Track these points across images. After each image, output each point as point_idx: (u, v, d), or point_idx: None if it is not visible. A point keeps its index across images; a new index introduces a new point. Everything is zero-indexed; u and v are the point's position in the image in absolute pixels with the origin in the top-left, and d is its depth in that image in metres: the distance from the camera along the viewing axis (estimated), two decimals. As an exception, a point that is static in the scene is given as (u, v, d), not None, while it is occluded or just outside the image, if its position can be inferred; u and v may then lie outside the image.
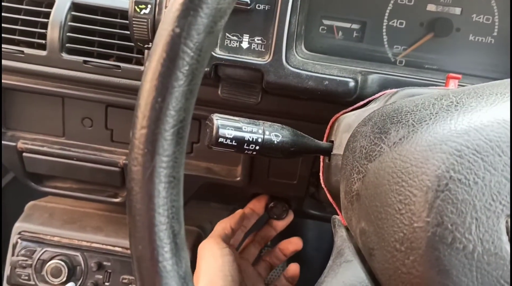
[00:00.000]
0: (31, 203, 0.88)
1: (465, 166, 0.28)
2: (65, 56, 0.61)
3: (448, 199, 0.28)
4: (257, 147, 0.42)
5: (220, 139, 0.40)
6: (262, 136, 0.42)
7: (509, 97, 0.31)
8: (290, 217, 0.79)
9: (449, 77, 0.49)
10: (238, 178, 0.69)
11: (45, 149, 0.71)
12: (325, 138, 0.51)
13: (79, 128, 0.72)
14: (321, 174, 0.50)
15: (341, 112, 0.50)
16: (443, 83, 0.56)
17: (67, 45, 0.61)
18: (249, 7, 0.47)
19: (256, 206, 0.77)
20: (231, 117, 0.41)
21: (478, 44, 0.62)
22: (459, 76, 0.49)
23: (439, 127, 0.31)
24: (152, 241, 0.27)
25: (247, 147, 0.42)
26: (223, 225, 0.69)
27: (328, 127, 0.50)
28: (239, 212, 0.71)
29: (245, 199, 0.78)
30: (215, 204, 0.94)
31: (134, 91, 0.64)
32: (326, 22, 0.63)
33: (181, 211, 0.29)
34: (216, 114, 0.41)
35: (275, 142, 0.43)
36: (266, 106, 0.57)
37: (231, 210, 0.74)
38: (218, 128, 0.40)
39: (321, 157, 0.50)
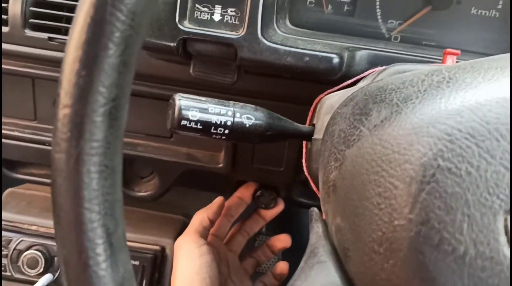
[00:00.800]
0: (9, 190, 0.84)
1: (456, 152, 0.23)
2: (28, 32, 0.56)
3: (435, 192, 0.23)
4: (226, 131, 0.37)
5: (183, 122, 0.36)
6: (232, 119, 0.37)
7: (510, 72, 0.27)
8: (279, 206, 0.74)
9: (446, 52, 0.44)
10: (221, 165, 0.64)
11: (15, 133, 0.66)
12: (308, 121, 0.46)
13: (51, 111, 0.67)
14: (304, 160, 0.46)
15: (326, 92, 0.45)
16: (441, 60, 0.51)
17: (30, 20, 0.56)
18: (220, -26, 0.42)
19: (244, 194, 0.72)
20: (197, 97, 0.37)
21: (480, 18, 0.57)
22: (458, 51, 0.44)
23: (427, 106, 0.26)
24: (79, 242, 0.23)
25: (215, 131, 0.37)
26: (200, 217, 0.64)
27: (312, 108, 0.45)
28: (217, 200, 0.66)
29: (231, 187, 0.74)
30: (202, 192, 0.90)
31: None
32: (314, -6, 0.58)
33: (118, 206, 0.24)
34: (180, 94, 0.36)
35: (247, 125, 0.38)
36: (245, 86, 0.52)
37: (223, 198, 0.69)
38: (180, 109, 0.36)
39: (304, 142, 0.45)
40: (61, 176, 0.23)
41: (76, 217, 0.23)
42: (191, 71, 0.48)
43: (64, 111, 0.22)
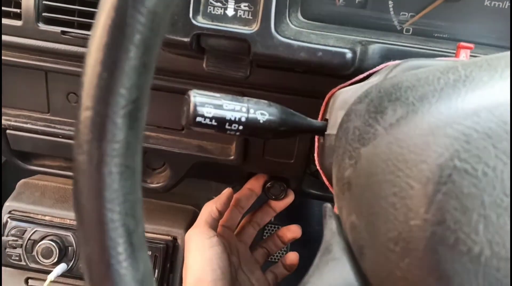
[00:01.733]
0: (22, 181, 0.85)
1: (472, 153, 0.23)
2: (41, 26, 0.57)
3: (452, 193, 0.23)
4: (241, 127, 0.37)
5: (198, 119, 0.36)
6: (246, 115, 0.37)
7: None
8: (290, 198, 0.75)
9: (459, 46, 0.44)
10: (232, 157, 0.64)
11: (28, 126, 0.67)
12: (320, 116, 0.46)
13: (64, 104, 0.68)
14: (315, 155, 0.46)
15: (338, 87, 0.45)
16: (454, 53, 0.50)
17: (43, 14, 0.57)
18: (233, -32, 0.42)
19: (254, 185, 0.73)
20: (211, 94, 0.37)
21: (494, 10, 0.56)
22: (471, 45, 0.44)
23: (443, 106, 0.26)
24: (101, 241, 0.23)
25: (229, 127, 0.37)
26: (209, 208, 0.65)
27: (324, 103, 0.45)
28: (226, 191, 0.67)
29: (242, 179, 0.74)
30: (213, 182, 0.91)
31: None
32: (326, -14, 0.58)
33: (138, 206, 0.25)
34: (194, 90, 0.37)
35: (261, 121, 0.38)
36: (258, 80, 0.52)
37: (232, 189, 0.70)
38: (195, 106, 0.36)
39: (316, 137, 0.45)
40: (83, 177, 0.23)
41: (98, 217, 0.23)
42: (204, 65, 0.48)
43: (86, 113, 0.23)
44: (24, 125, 0.67)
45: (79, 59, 0.60)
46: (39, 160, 0.76)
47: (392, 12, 0.57)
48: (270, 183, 0.72)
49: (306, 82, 0.53)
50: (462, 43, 0.44)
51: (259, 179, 0.73)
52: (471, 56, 0.45)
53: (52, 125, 0.68)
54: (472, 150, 0.23)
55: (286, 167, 0.66)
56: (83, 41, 0.59)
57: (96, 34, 0.23)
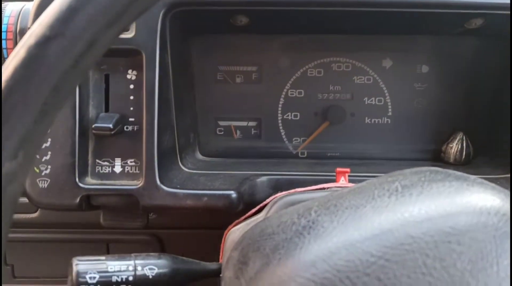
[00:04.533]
0: None
1: (314, 305, 0.24)
2: None
3: None
4: (129, 287, 0.37)
5: (82, 287, 0.36)
6: (133, 273, 0.38)
7: (365, 209, 0.29)
8: None
9: (337, 172, 0.48)
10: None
11: None
12: (220, 255, 0.47)
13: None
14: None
15: (234, 223, 0.47)
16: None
17: None
18: (112, 132, 0.45)
19: None
20: (95, 258, 0.37)
21: (375, 126, 0.62)
22: (347, 170, 0.47)
23: (289, 258, 0.27)
24: None
25: (117, 289, 0.37)
26: None
27: (222, 242, 0.47)
28: None
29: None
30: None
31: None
32: (222, 123, 0.62)
33: None
34: (78, 258, 0.37)
35: (150, 276, 0.38)
36: (159, 222, 0.53)
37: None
38: (78, 274, 0.36)
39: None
40: None
41: None
42: (101, 221, 0.49)
43: None
44: None
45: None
46: None
47: (285, 139, 0.62)
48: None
49: (206, 217, 0.54)
50: (339, 168, 0.47)
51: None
52: (351, 177, 0.48)
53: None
54: (312, 302, 0.24)
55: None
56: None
57: None
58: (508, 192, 0.30)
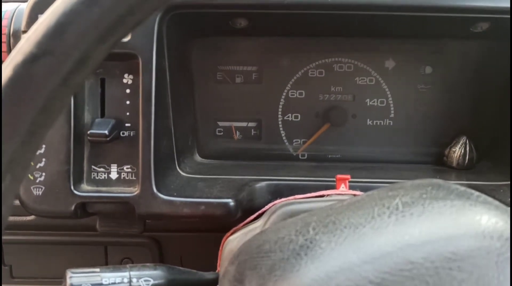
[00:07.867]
0: None
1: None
2: None
3: None
4: (124, 300, 0.37)
5: (76, 300, 0.35)
6: (128, 285, 0.37)
7: (364, 229, 0.28)
8: None
9: (338, 179, 0.47)
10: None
11: None
12: (218, 263, 0.46)
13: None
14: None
15: (232, 230, 0.46)
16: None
17: None
18: (108, 138, 0.44)
19: None
20: (89, 270, 0.37)
21: (377, 128, 0.61)
22: (348, 176, 0.46)
23: (285, 280, 0.27)
24: None
25: (111, 302, 0.36)
26: None
27: (220, 250, 0.46)
28: None
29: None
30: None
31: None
32: (222, 124, 0.61)
33: None
34: (71, 270, 0.36)
35: (146, 288, 0.38)
36: (157, 225, 0.53)
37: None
38: (71, 287, 0.35)
39: (218, 284, 0.45)
40: None
41: None
42: (97, 226, 0.49)
43: None
44: None
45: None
46: None
47: (285, 141, 0.61)
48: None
49: (204, 223, 0.54)
50: (339, 175, 0.47)
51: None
52: (351, 183, 0.47)
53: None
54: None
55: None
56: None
57: None
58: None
